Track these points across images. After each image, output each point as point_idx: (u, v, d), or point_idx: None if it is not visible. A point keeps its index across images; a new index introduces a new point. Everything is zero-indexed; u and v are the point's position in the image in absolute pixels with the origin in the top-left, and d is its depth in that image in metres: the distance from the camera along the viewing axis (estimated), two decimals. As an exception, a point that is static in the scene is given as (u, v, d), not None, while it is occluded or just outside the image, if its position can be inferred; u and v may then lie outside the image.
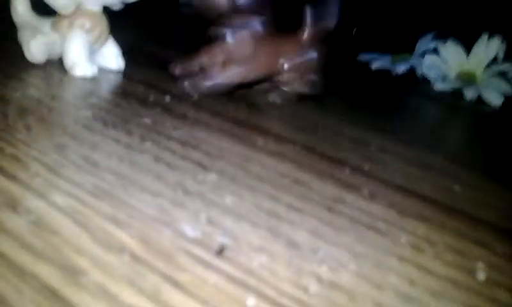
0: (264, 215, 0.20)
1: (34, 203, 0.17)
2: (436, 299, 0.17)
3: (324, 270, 0.17)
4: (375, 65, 0.66)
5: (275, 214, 0.20)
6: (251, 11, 0.33)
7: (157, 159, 0.23)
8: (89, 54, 0.33)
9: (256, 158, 0.26)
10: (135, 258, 0.15)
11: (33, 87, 0.28)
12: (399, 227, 0.22)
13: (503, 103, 0.58)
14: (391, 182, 0.27)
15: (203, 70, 0.34)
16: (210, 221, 0.19)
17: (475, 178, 0.31)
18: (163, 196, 0.20)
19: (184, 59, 0.36)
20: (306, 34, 0.37)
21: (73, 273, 0.14)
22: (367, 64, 0.67)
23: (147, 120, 0.27)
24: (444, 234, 0.22)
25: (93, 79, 0.32)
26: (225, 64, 0.33)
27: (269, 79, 0.37)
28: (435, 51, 0.63)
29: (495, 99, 0.58)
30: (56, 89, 0.29)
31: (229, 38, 0.33)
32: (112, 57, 0.36)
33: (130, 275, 0.15)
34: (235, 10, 0.32)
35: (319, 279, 0.17)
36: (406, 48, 0.66)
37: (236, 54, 0.33)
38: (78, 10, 0.32)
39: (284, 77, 0.36)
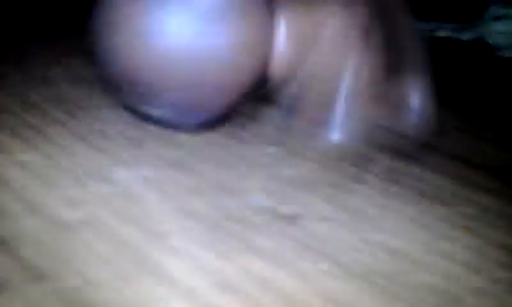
0: (329, 187, 0.21)
1: (121, 174, 0.19)
2: (505, 271, 0.17)
3: (391, 240, 0.18)
4: (440, 34, 0.64)
5: (340, 186, 0.21)
6: None
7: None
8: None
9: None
10: (213, 224, 0.17)
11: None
12: (464, 198, 0.22)
13: None
14: (456, 155, 0.27)
15: None
16: (278, 192, 0.20)
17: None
18: (232, 168, 0.21)
19: None
20: None
21: (158, 237, 0.15)
22: (431, 33, 0.65)
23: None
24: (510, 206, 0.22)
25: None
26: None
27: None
28: (504, 18, 0.60)
29: None
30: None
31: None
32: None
33: (210, 240, 0.16)
34: None
35: (387, 248, 0.17)
36: (473, 15, 0.63)
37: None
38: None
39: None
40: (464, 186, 0.23)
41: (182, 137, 0.23)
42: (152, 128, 0.23)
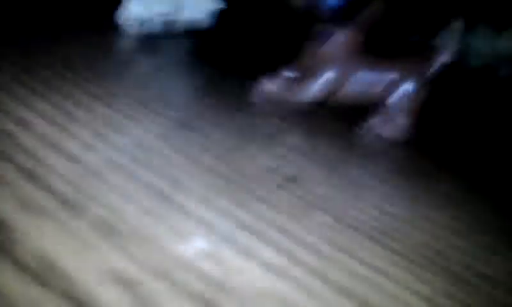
0: (326, 155, 0.23)
1: (132, 128, 0.20)
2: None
3: (381, 202, 0.20)
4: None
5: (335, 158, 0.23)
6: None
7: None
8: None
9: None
10: (225, 177, 0.18)
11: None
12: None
13: None
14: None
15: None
16: (281, 156, 0.21)
17: None
18: (238, 133, 0.22)
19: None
20: (436, 61, 0.27)
21: (176, 182, 0.17)
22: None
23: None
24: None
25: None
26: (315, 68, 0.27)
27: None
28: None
29: None
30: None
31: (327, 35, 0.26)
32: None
33: (224, 190, 0.17)
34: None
35: (381, 211, 0.19)
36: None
37: (331, 58, 0.27)
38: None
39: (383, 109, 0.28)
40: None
41: (183, 101, 0.24)
42: (156, 90, 0.24)
